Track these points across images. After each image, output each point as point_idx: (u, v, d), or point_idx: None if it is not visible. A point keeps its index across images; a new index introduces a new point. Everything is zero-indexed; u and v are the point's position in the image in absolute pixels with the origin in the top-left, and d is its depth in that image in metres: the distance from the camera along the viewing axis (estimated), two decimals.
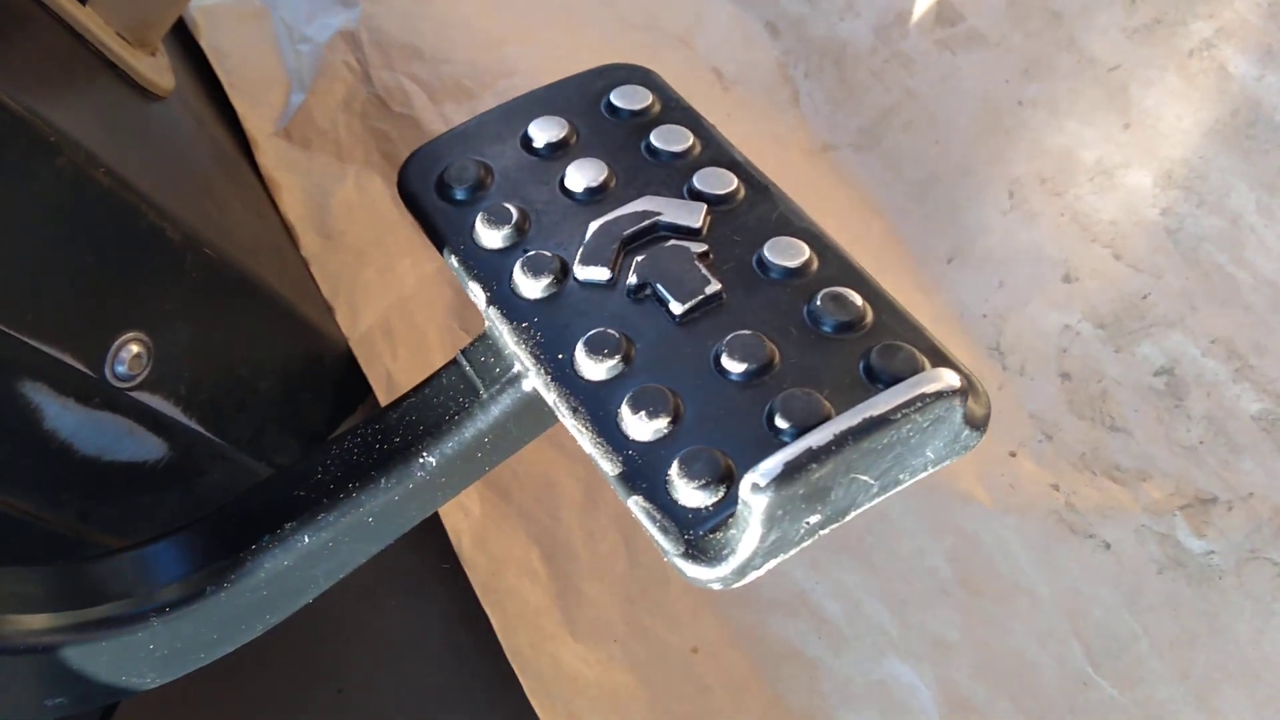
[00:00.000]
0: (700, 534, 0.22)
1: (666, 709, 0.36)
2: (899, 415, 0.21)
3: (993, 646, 0.36)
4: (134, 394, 0.32)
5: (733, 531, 0.21)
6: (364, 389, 0.40)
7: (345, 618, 0.37)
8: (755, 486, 0.20)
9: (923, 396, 0.21)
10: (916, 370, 0.23)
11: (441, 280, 0.43)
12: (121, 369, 0.32)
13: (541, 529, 0.39)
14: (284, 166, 0.44)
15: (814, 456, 0.21)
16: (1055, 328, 0.38)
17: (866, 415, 0.21)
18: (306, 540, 0.25)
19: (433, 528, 0.38)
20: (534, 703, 0.36)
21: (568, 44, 0.48)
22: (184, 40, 0.45)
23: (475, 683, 0.36)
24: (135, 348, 0.32)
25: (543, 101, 0.29)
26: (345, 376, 0.40)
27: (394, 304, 0.42)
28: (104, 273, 0.31)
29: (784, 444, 0.21)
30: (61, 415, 0.31)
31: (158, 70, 0.37)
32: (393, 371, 0.41)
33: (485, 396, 0.26)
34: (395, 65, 0.46)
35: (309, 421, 0.39)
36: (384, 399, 0.40)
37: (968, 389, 0.23)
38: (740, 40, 0.46)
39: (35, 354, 0.29)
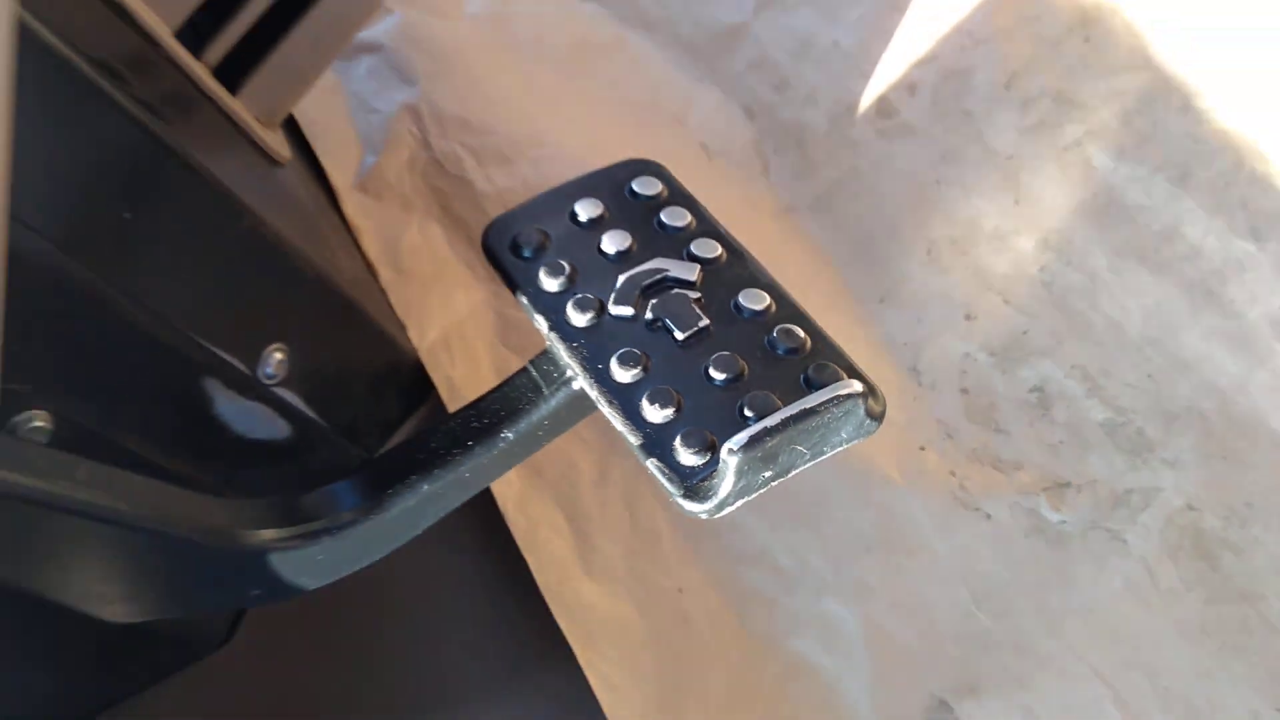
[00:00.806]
0: (694, 483, 0.33)
1: (657, 633, 0.48)
2: (822, 408, 0.33)
3: (902, 590, 0.48)
4: (275, 389, 0.44)
5: (715, 481, 0.33)
6: (428, 390, 0.52)
7: (419, 566, 0.49)
8: (730, 451, 0.32)
9: (838, 397, 0.33)
10: (837, 380, 0.35)
11: (487, 308, 0.55)
12: (269, 370, 0.43)
13: (565, 498, 0.50)
14: (362, 215, 0.56)
15: (768, 433, 0.32)
16: (958, 355, 0.50)
17: (802, 408, 0.33)
18: (424, 488, 0.36)
19: (484, 503, 0.50)
20: (561, 625, 0.47)
21: (585, 119, 0.59)
22: None
23: (517, 612, 0.48)
24: (279, 355, 0.43)
25: (584, 187, 0.41)
26: (415, 380, 0.52)
27: (452, 325, 0.54)
28: (260, 298, 0.42)
29: (749, 425, 0.32)
30: (224, 402, 0.42)
31: (279, 143, 0.49)
32: (451, 377, 0.52)
33: (547, 393, 0.38)
34: (449, 135, 0.58)
35: (388, 413, 0.51)
36: (445, 398, 0.52)
37: (869, 393, 0.34)
38: (723, 121, 0.58)
39: (212, 356, 0.41)
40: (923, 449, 0.49)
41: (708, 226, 0.40)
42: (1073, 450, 0.48)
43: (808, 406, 0.33)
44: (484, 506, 0.50)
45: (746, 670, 0.48)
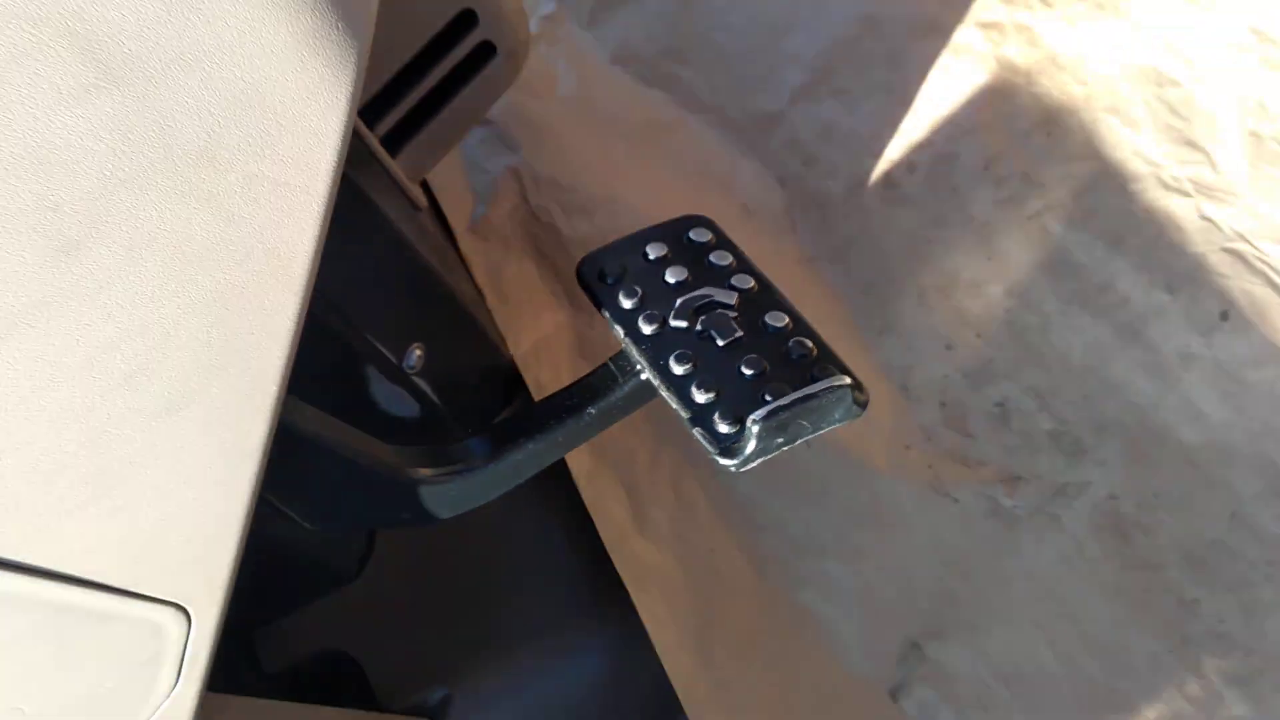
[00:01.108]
0: (727, 445, 0.47)
1: (693, 581, 0.62)
2: (821, 394, 0.46)
3: (887, 556, 0.61)
4: (414, 378, 0.58)
5: (742, 444, 0.46)
6: (520, 388, 0.66)
7: (517, 525, 0.63)
8: (754, 421, 0.45)
9: (832, 387, 0.47)
10: (833, 375, 0.48)
11: (569, 327, 0.69)
12: (410, 362, 0.57)
13: (625, 476, 0.64)
14: (473, 251, 0.71)
15: (781, 410, 0.46)
16: (939, 376, 0.64)
17: (806, 393, 0.46)
18: (529, 446, 0.50)
19: (564, 479, 0.64)
20: (619, 571, 0.61)
21: (650, 182, 0.74)
22: None
23: (588, 560, 0.62)
24: (419, 351, 0.57)
25: (653, 234, 0.55)
26: (510, 380, 0.66)
27: (540, 339, 0.68)
28: (409, 308, 0.57)
29: (768, 405, 0.46)
30: (378, 383, 0.57)
31: (418, 194, 0.64)
32: (539, 379, 0.67)
33: (621, 382, 0.51)
34: (543, 192, 0.73)
35: (489, 404, 0.65)
36: (534, 394, 0.66)
37: (856, 387, 0.48)
38: (761, 188, 0.73)
39: (374, 348, 0.55)
40: (908, 447, 0.63)
41: (745, 265, 0.54)
42: (1025, 452, 0.61)
43: (810, 392, 0.47)
44: (564, 482, 0.64)
45: (762, 614, 0.61)
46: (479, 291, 0.69)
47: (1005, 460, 0.61)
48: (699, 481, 0.64)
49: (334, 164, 0.32)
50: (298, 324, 0.35)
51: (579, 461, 0.64)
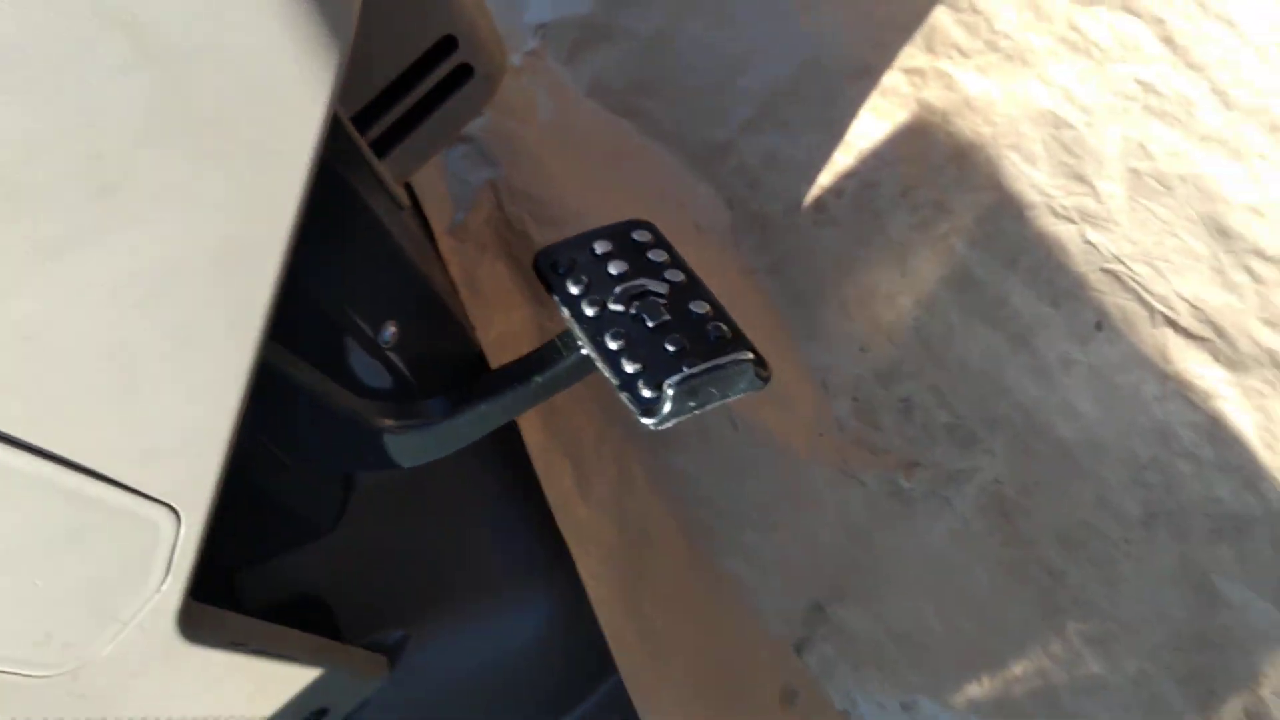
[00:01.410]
0: (648, 406, 0.55)
1: (628, 544, 0.69)
2: (726, 365, 0.55)
3: (800, 528, 0.69)
4: (388, 352, 0.66)
5: (660, 405, 0.55)
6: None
7: (476, 489, 0.71)
8: (669, 386, 0.54)
9: (736, 360, 0.55)
10: (739, 351, 0.57)
11: (533, 322, 0.77)
12: (385, 337, 0.66)
13: (573, 451, 0.72)
14: (451, 251, 0.79)
15: (692, 377, 0.54)
16: (854, 375, 0.72)
17: (714, 364, 0.55)
18: (482, 407, 0.59)
19: (518, 450, 0.72)
20: (564, 534, 0.69)
21: (615, 200, 0.83)
22: None
23: (536, 521, 0.70)
24: (393, 328, 0.66)
25: (601, 233, 0.64)
26: (477, 363, 0.75)
27: (507, 330, 0.76)
28: (387, 289, 0.65)
29: (683, 373, 0.55)
30: (356, 355, 0.65)
31: (401, 195, 0.72)
32: (503, 363, 0.75)
33: (565, 355, 0.60)
34: (518, 203, 0.82)
35: (457, 383, 0.73)
36: None
37: (758, 363, 0.56)
38: (711, 207, 0.81)
39: (351, 321, 0.64)
40: (823, 435, 0.71)
41: (677, 262, 0.62)
42: (924, 442, 0.69)
43: (719, 363, 0.55)
44: (521, 454, 0.72)
45: (688, 575, 0.69)
46: (454, 286, 0.77)
47: (907, 449, 0.69)
48: (639, 458, 0.72)
49: (317, 138, 0.41)
50: (282, 268, 0.43)
51: (533, 436, 0.72)
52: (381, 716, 0.68)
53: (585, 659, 0.70)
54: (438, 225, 0.80)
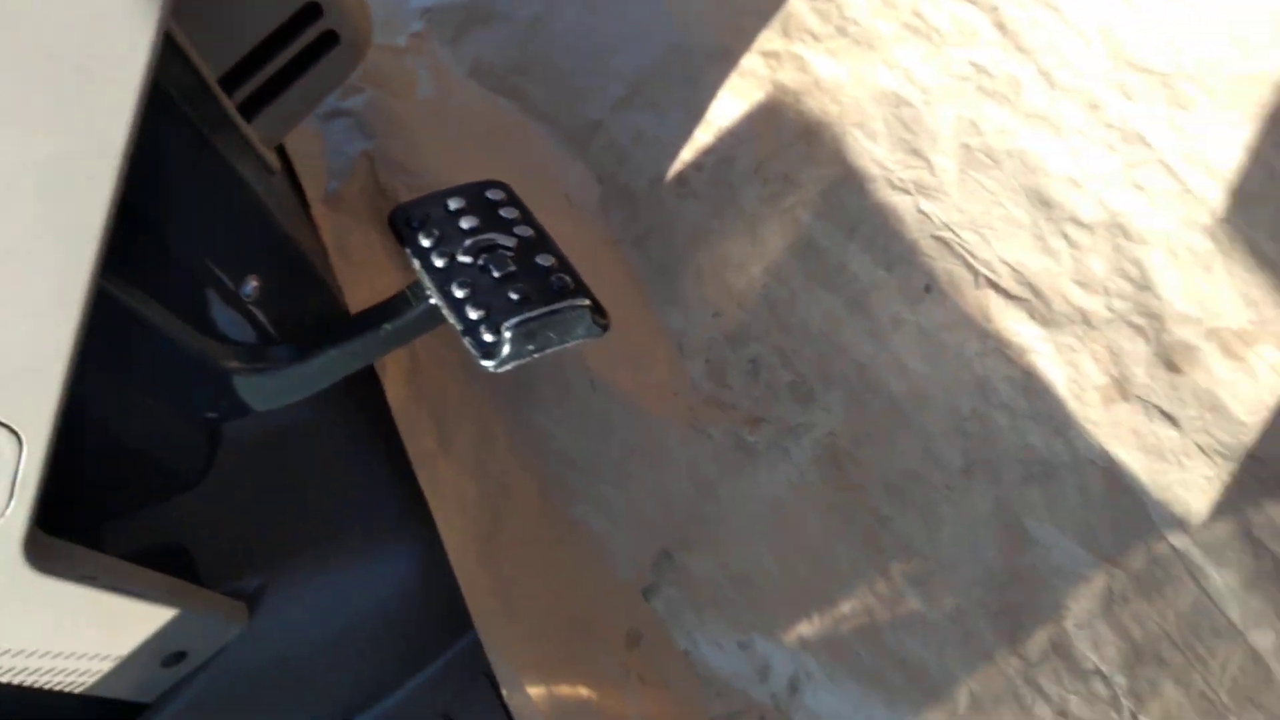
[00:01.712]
0: (488, 350, 0.58)
1: (485, 498, 0.72)
2: (563, 310, 0.58)
3: (651, 480, 0.72)
4: (250, 306, 0.68)
5: (499, 347, 0.58)
6: None
7: (344, 444, 0.73)
8: (507, 328, 0.57)
9: (573, 305, 0.58)
10: (577, 297, 0.60)
11: (400, 286, 0.80)
12: (247, 290, 0.68)
13: (437, 409, 0.75)
14: (324, 218, 0.82)
15: (529, 321, 0.57)
16: (706, 338, 0.76)
17: (551, 309, 0.58)
18: (332, 352, 0.61)
19: (384, 408, 0.75)
20: (423, 488, 0.71)
21: (489, 174, 0.86)
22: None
23: (397, 481, 0.72)
24: (255, 282, 0.68)
25: (456, 191, 0.67)
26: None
27: (374, 294, 0.79)
28: (249, 244, 0.67)
29: (520, 316, 0.58)
30: (218, 307, 0.67)
31: (272, 159, 0.75)
32: None
33: (414, 304, 0.62)
34: (392, 174, 0.84)
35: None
36: None
37: (595, 310, 0.59)
38: (582, 181, 0.85)
39: (211, 272, 0.66)
40: (676, 394, 0.74)
41: (527, 219, 0.65)
42: (768, 399, 0.73)
43: (555, 308, 0.58)
44: (382, 409, 0.74)
45: (542, 526, 0.72)
46: (324, 250, 0.80)
47: (752, 406, 0.73)
48: (501, 417, 0.75)
49: (146, 61, 0.43)
50: (114, 193, 0.45)
51: (396, 393, 0.74)
52: (242, 663, 0.70)
53: (447, 612, 0.72)
54: (313, 194, 0.82)
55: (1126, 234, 0.68)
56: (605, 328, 0.61)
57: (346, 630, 0.72)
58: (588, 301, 0.59)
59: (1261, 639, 0.60)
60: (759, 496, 0.70)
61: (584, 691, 0.66)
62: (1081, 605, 0.63)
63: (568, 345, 0.60)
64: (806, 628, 0.66)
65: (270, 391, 0.62)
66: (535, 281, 0.61)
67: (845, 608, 0.66)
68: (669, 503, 0.71)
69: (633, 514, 0.71)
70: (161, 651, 0.66)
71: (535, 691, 0.65)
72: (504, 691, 0.65)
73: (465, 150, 0.87)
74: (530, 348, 0.58)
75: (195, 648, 0.68)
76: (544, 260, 0.62)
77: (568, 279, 0.61)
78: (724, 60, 0.82)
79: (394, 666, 0.75)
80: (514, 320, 0.57)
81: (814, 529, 0.68)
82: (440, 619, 0.73)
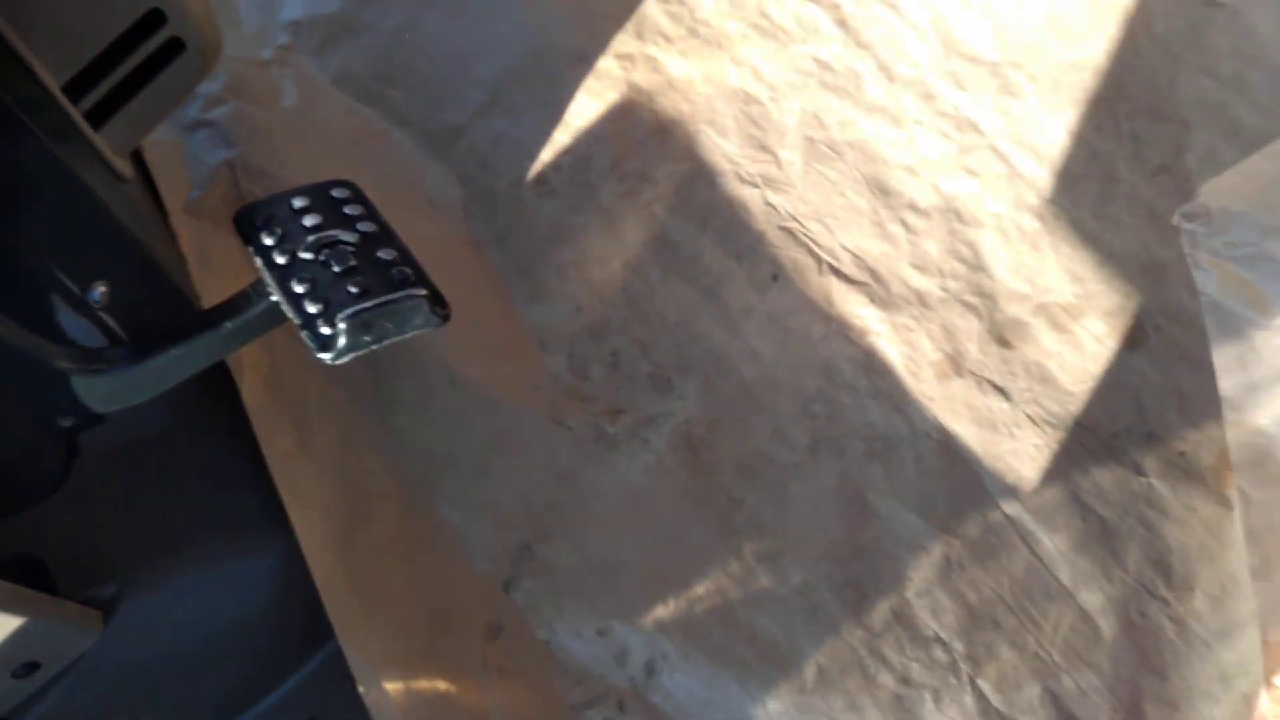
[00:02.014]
0: (324, 342, 0.58)
1: (344, 499, 0.72)
2: (399, 300, 0.58)
3: (509, 473, 0.72)
4: (99, 312, 0.68)
5: (334, 340, 0.58)
6: None
7: (193, 454, 0.72)
8: (341, 320, 0.57)
9: (409, 295, 0.59)
10: (414, 288, 0.60)
11: None
12: (95, 296, 0.67)
13: (296, 413, 0.75)
14: (184, 226, 0.81)
15: (364, 311, 0.58)
16: (569, 333, 0.77)
17: (386, 299, 0.59)
18: (174, 351, 0.61)
19: (238, 405, 0.74)
20: (280, 491, 0.71)
21: (351, 179, 0.86)
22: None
23: (255, 486, 0.72)
24: (103, 288, 0.68)
25: (302, 190, 0.67)
26: None
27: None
28: (96, 252, 0.67)
29: (355, 307, 0.58)
30: (65, 313, 0.67)
31: (125, 167, 0.74)
32: None
33: (255, 302, 0.62)
34: (254, 181, 0.84)
35: None
36: None
37: (433, 300, 0.60)
38: (445, 185, 0.85)
39: (56, 278, 0.65)
40: (536, 389, 0.75)
41: (371, 215, 0.66)
42: (628, 391, 0.74)
43: (391, 298, 0.59)
44: (240, 414, 0.74)
45: (402, 524, 0.72)
46: (182, 257, 0.79)
47: (612, 397, 0.74)
48: (361, 419, 0.75)
49: None
50: None
51: (254, 397, 0.74)
52: (99, 672, 0.69)
53: (312, 617, 0.72)
54: (173, 204, 0.82)
55: (960, 217, 0.71)
56: (445, 318, 0.61)
57: (207, 637, 0.72)
58: (425, 291, 0.60)
59: (1090, 599, 0.62)
60: (618, 485, 0.71)
61: (442, 685, 0.67)
62: (921, 574, 0.64)
63: (407, 336, 0.61)
64: (663, 611, 0.67)
65: (111, 393, 0.61)
66: (375, 275, 0.62)
67: (700, 589, 0.67)
68: (529, 496, 0.72)
69: (493, 508, 0.72)
70: (12, 662, 0.65)
71: (393, 688, 0.65)
72: (361, 689, 0.65)
73: (326, 156, 0.87)
74: (367, 339, 0.59)
75: (48, 658, 0.67)
76: (386, 254, 0.63)
77: (409, 271, 0.62)
78: (580, 64, 0.84)
79: (259, 672, 0.74)
80: (349, 312, 0.58)
81: (670, 514, 0.70)
82: (304, 623, 0.73)
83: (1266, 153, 0.59)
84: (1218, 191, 0.61)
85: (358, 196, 0.67)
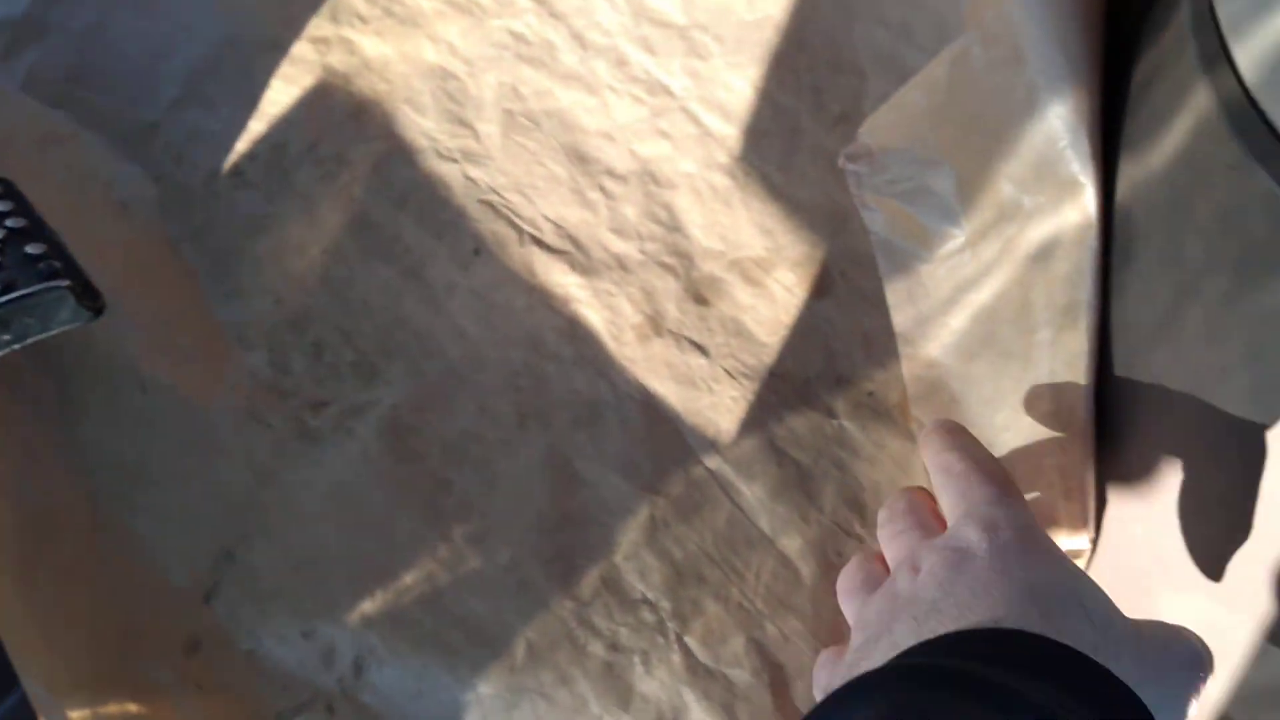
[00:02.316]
0: None
1: (24, 522, 0.67)
2: (38, 294, 0.54)
3: (209, 476, 0.68)
4: None
5: None
6: None
7: None
8: None
9: (49, 288, 0.55)
10: (57, 280, 0.56)
11: None
12: None
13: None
14: None
15: (1, 308, 0.53)
16: (269, 326, 0.73)
17: (23, 292, 0.54)
18: None
19: None
20: None
21: (38, 186, 0.81)
22: None
23: None
24: None
25: None
26: None
27: None
28: None
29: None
30: None
31: None
32: None
33: None
34: None
35: None
36: None
37: (80, 292, 0.56)
38: (139, 185, 0.80)
39: None
40: (234, 388, 0.71)
41: (23, 210, 0.61)
42: (332, 381, 0.71)
43: (28, 292, 0.54)
44: None
45: (93, 538, 0.67)
46: None
47: (315, 389, 0.70)
48: (45, 433, 0.69)
49: None
50: None
51: None
52: None
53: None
54: None
55: (656, 180, 0.70)
56: (97, 311, 0.57)
57: None
58: (68, 283, 0.55)
59: (789, 543, 0.62)
60: (324, 480, 0.68)
61: (133, 708, 0.62)
62: (629, 537, 0.63)
63: (54, 332, 0.57)
64: (370, 606, 0.64)
65: None
66: (20, 270, 0.57)
67: (408, 579, 0.65)
68: (228, 500, 0.68)
69: (190, 516, 0.68)
70: None
71: (77, 715, 0.60)
72: (40, 719, 0.59)
73: (14, 163, 0.81)
74: (6, 337, 0.54)
75: None
76: (34, 249, 0.59)
77: (57, 264, 0.58)
78: (275, 50, 0.80)
79: None
80: None
81: (378, 504, 0.67)
82: None
83: (915, 84, 0.60)
84: (875, 129, 0.62)
85: (9, 193, 0.63)
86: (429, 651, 0.62)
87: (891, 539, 0.50)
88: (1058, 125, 0.55)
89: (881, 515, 0.55)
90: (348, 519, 0.67)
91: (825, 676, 0.55)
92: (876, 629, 0.42)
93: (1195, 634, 0.43)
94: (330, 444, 0.69)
